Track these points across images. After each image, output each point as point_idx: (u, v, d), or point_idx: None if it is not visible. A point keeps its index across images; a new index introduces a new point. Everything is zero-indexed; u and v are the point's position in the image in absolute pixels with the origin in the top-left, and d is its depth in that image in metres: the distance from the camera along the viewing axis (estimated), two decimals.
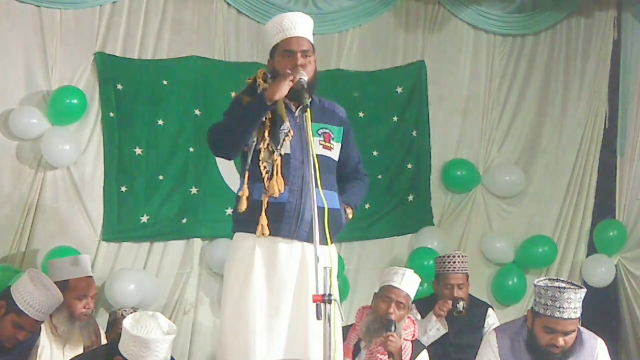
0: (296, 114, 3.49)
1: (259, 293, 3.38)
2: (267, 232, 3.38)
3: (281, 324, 3.39)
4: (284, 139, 3.41)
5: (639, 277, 6.02)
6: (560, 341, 3.58)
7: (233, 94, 3.71)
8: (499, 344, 3.77)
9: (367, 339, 4.14)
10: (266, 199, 3.39)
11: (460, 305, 4.70)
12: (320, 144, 3.47)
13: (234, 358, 3.39)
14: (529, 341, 3.71)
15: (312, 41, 3.52)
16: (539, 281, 3.72)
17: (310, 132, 3.24)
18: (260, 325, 3.36)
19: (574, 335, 3.63)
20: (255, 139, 3.42)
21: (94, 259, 5.11)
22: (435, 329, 4.66)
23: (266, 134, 3.40)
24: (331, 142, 3.54)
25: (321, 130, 3.50)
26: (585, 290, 3.66)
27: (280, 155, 3.41)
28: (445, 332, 4.68)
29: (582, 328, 3.76)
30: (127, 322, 3.27)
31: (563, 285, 3.68)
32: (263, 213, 3.38)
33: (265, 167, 3.41)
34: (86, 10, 5.15)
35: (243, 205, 3.41)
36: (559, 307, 3.55)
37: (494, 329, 3.95)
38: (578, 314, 3.61)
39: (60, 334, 3.95)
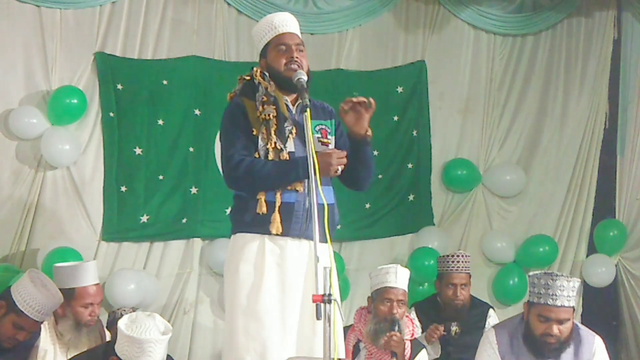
0: (294, 111, 3.49)
1: (272, 293, 3.38)
2: (280, 230, 3.37)
3: (292, 322, 3.39)
4: (288, 137, 3.41)
5: (639, 277, 6.01)
6: (555, 329, 3.62)
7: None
8: (498, 341, 3.80)
9: (374, 343, 4.12)
10: (279, 198, 3.38)
11: (453, 330, 4.66)
12: (319, 141, 3.46)
13: (250, 358, 3.36)
14: (525, 334, 3.74)
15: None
16: (533, 273, 3.79)
17: (310, 131, 3.24)
18: (276, 324, 3.36)
19: (568, 325, 3.67)
20: (261, 142, 3.41)
21: (94, 259, 5.10)
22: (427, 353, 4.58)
23: (273, 132, 3.40)
24: (328, 137, 3.53)
25: (318, 127, 3.49)
26: (579, 280, 3.72)
27: (288, 153, 3.41)
28: (435, 357, 4.59)
29: (579, 325, 3.81)
30: (122, 322, 3.26)
31: (556, 273, 3.75)
32: (277, 211, 3.37)
33: None
34: (86, 10, 5.16)
35: (262, 208, 3.38)
36: (552, 295, 3.62)
37: (493, 327, 3.97)
38: (572, 303, 3.67)
39: (67, 342, 3.94)
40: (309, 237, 3.42)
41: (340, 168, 3.34)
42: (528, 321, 3.74)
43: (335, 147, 3.57)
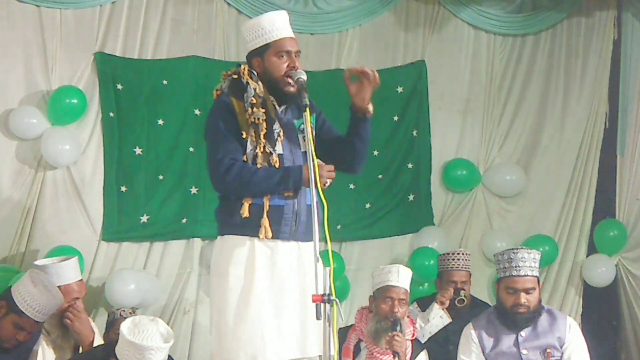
0: (279, 111, 3.47)
1: (263, 295, 3.37)
2: (270, 234, 3.36)
3: (290, 324, 3.39)
4: (276, 140, 3.40)
5: (639, 277, 6.01)
6: (523, 298, 4.00)
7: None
8: (475, 326, 4.13)
9: (376, 342, 4.13)
10: (267, 202, 3.38)
11: (462, 293, 4.70)
12: (304, 140, 3.37)
13: None
14: (498, 311, 4.13)
15: None
16: (497, 252, 4.19)
17: (309, 131, 3.23)
18: (269, 327, 3.36)
19: (535, 294, 4.06)
20: (253, 145, 3.39)
21: (94, 259, 5.12)
22: (439, 316, 4.65)
23: (262, 136, 3.38)
24: (313, 133, 3.48)
25: (302, 126, 3.40)
26: (538, 252, 4.16)
27: (277, 156, 3.40)
28: (449, 322, 4.67)
29: (551, 307, 4.27)
30: (125, 326, 3.25)
31: (517, 247, 4.27)
32: (265, 215, 3.36)
33: None
34: (86, 10, 5.15)
35: (245, 212, 3.37)
36: (516, 267, 4.04)
37: (470, 322, 4.22)
38: (535, 273, 4.08)
39: (54, 339, 3.93)
40: (299, 239, 3.43)
41: (328, 182, 3.32)
42: (499, 297, 4.13)
43: (317, 138, 3.50)
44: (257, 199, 3.37)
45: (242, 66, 3.48)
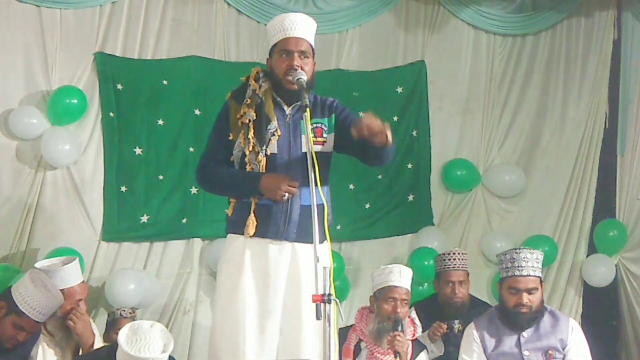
0: (287, 112, 3.48)
1: (248, 294, 3.40)
2: (252, 231, 3.38)
3: (273, 325, 3.40)
4: (269, 139, 3.40)
5: (639, 277, 6.02)
6: (525, 299, 3.99)
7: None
8: (477, 326, 4.11)
9: (377, 342, 4.12)
10: (254, 200, 3.40)
11: (456, 327, 4.62)
12: (313, 140, 3.35)
13: (224, 358, 3.41)
14: (501, 311, 4.12)
15: (312, 44, 3.48)
16: (500, 252, 4.17)
17: (309, 131, 3.23)
18: (251, 325, 3.38)
19: (537, 295, 4.04)
20: (240, 147, 3.43)
21: (94, 259, 5.12)
22: (430, 351, 4.57)
23: (251, 135, 3.40)
24: (323, 135, 3.49)
25: (314, 126, 3.44)
26: (541, 252, 4.15)
27: (266, 155, 3.40)
28: (439, 355, 4.56)
29: (554, 309, 4.22)
30: (122, 334, 3.21)
31: (520, 247, 4.27)
32: (252, 214, 3.40)
33: (252, 169, 3.42)
34: (86, 10, 5.16)
35: (230, 210, 3.47)
36: (518, 267, 4.03)
37: (473, 322, 4.20)
38: (537, 273, 4.07)
39: (58, 341, 3.93)
40: (289, 239, 3.43)
41: (287, 195, 3.34)
42: (501, 298, 4.11)
43: (337, 137, 3.50)
44: (245, 197, 3.43)
45: (254, 69, 3.56)
